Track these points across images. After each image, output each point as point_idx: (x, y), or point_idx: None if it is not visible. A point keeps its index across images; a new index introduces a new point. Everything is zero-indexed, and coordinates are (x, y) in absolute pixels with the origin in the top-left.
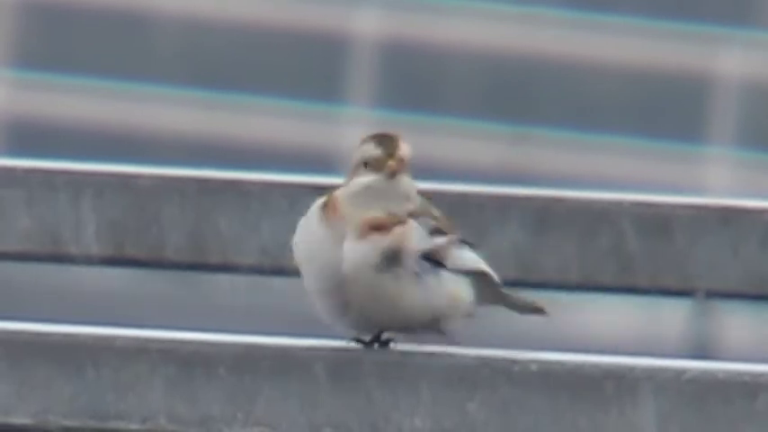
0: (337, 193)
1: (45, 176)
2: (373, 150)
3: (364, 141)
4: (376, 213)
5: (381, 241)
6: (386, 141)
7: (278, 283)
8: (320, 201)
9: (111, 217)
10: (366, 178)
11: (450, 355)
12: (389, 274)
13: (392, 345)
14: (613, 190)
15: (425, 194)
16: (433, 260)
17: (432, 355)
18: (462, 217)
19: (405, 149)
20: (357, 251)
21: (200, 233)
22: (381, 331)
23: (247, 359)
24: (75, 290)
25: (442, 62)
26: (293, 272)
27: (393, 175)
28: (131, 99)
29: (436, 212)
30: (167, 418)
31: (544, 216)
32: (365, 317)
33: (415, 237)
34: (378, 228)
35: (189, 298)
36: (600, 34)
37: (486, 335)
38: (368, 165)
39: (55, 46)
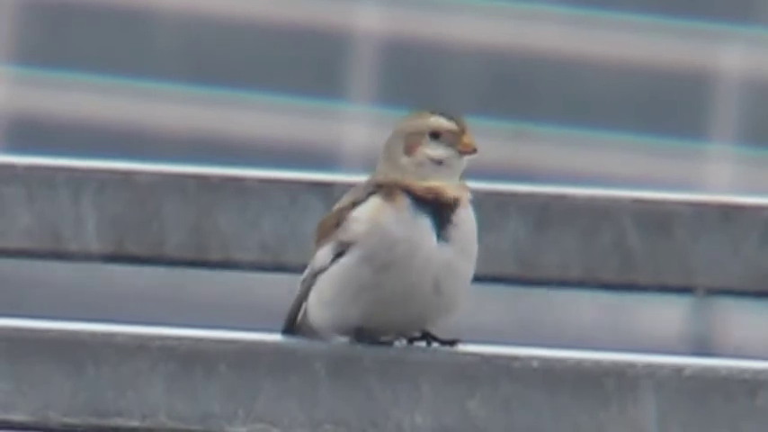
0: (391, 177)
1: (45, 173)
2: (447, 123)
3: (423, 115)
4: (451, 187)
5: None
6: (456, 117)
7: (278, 279)
8: (376, 198)
9: (112, 214)
10: (437, 151)
11: (451, 352)
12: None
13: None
14: (614, 187)
15: None
16: None
17: (432, 351)
18: None
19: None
20: (466, 225)
21: (201, 230)
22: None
23: (248, 356)
24: (75, 286)
25: (442, 59)
26: (293, 268)
27: (470, 153)
28: (132, 96)
29: None
30: (168, 415)
31: (545, 213)
32: (444, 303)
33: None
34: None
35: (189, 295)
36: (601, 31)
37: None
38: (439, 137)
39: (55, 43)
